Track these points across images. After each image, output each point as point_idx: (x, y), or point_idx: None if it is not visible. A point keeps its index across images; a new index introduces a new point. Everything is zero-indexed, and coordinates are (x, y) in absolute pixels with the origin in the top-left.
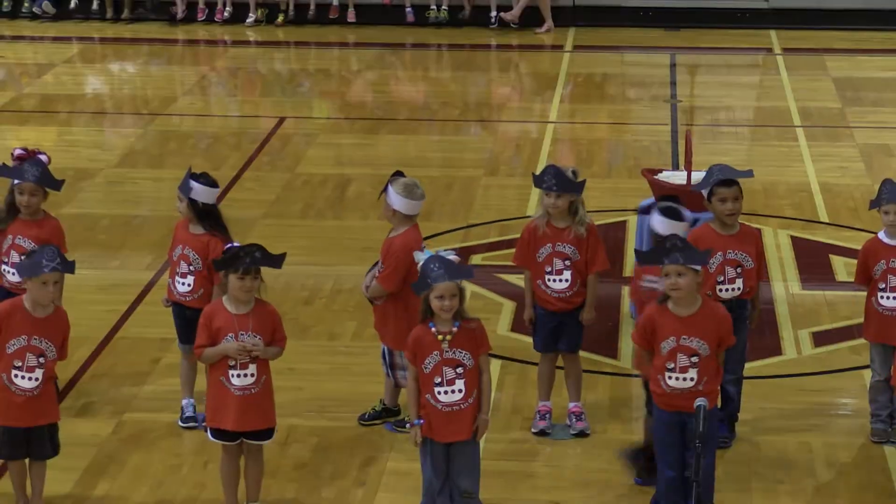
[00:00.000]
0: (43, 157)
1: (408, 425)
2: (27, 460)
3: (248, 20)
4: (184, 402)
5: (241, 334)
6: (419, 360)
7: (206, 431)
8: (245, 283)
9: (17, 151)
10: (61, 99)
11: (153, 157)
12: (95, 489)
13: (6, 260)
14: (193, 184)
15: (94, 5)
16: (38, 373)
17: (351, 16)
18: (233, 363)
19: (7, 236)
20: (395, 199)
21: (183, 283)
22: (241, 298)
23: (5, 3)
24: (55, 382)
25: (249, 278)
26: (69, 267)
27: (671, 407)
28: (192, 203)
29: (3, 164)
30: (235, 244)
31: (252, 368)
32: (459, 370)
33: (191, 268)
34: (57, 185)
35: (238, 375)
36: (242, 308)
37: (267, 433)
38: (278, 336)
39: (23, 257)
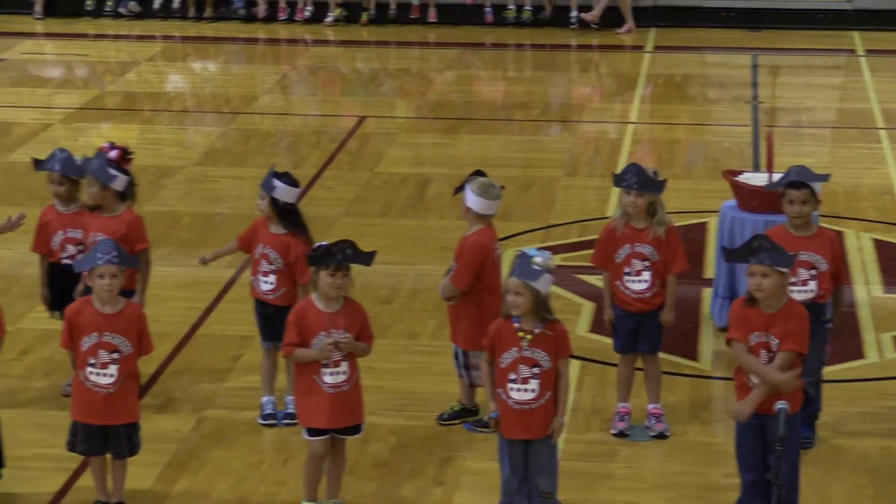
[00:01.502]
0: (112, 153)
1: (486, 417)
2: (109, 456)
3: (327, 19)
4: (263, 399)
5: (332, 332)
6: (497, 354)
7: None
8: (336, 280)
9: (105, 147)
10: (144, 97)
11: (234, 156)
12: (176, 485)
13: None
14: (276, 182)
15: (177, 4)
16: (113, 369)
17: (432, 15)
18: (325, 361)
19: (88, 233)
20: (470, 197)
21: (265, 282)
22: (332, 295)
23: (88, 2)
24: (137, 380)
25: (340, 275)
26: (127, 261)
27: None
28: (274, 202)
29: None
30: (322, 243)
31: (344, 366)
32: (535, 370)
33: (272, 266)
34: (109, 179)
35: (331, 373)
36: (332, 306)
37: (355, 428)
38: (366, 334)
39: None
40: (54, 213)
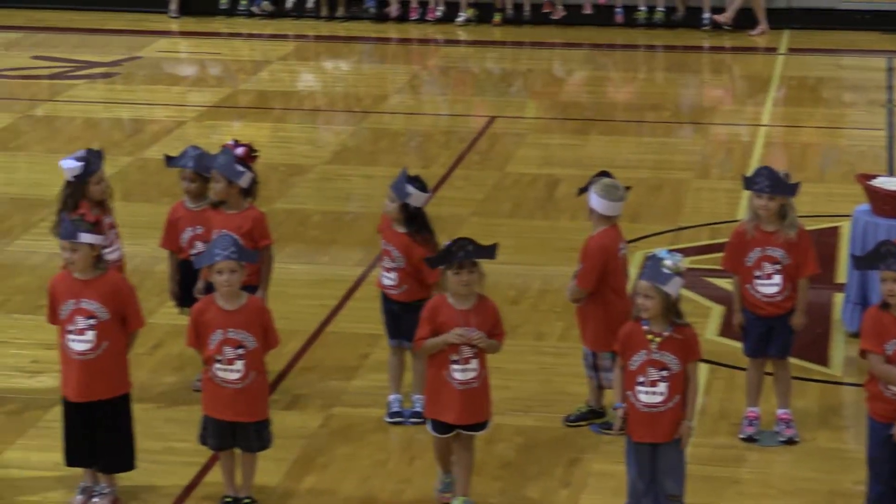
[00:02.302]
0: (238, 150)
1: (612, 408)
2: (238, 451)
3: (458, 19)
4: (391, 397)
5: (454, 330)
6: (626, 356)
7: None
8: (461, 277)
9: (230, 144)
10: (276, 95)
11: (365, 155)
12: (303, 482)
13: None
14: (410, 189)
15: (311, 4)
16: (240, 364)
17: (557, 14)
18: (455, 357)
19: (211, 229)
20: (594, 199)
21: (388, 277)
22: (461, 293)
23: (223, 1)
24: (265, 375)
25: (465, 272)
26: (245, 255)
27: (887, 418)
28: (404, 206)
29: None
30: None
31: (474, 363)
32: (664, 373)
33: (394, 264)
34: (237, 175)
35: (461, 370)
36: (464, 303)
37: (482, 424)
38: (497, 331)
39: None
40: (184, 209)
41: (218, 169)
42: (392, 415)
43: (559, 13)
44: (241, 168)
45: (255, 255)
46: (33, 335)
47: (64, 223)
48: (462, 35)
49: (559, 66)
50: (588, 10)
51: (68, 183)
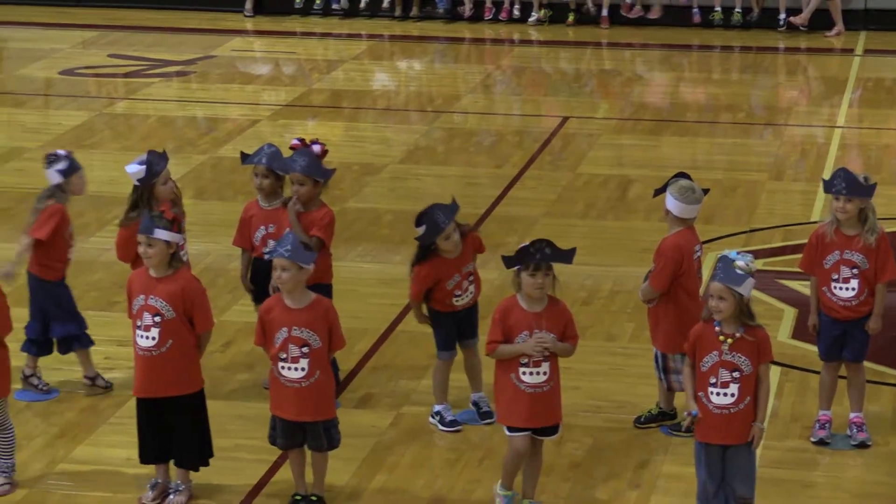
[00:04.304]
0: (316, 148)
1: (686, 413)
2: (308, 449)
3: (530, 19)
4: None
5: (535, 332)
6: (698, 357)
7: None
8: (536, 280)
9: (293, 142)
10: (349, 95)
11: (437, 154)
12: (373, 480)
13: None
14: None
15: (386, 3)
16: (304, 363)
17: (635, 12)
18: (525, 361)
19: (283, 228)
20: (670, 200)
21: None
22: (534, 295)
23: (297, 0)
24: (335, 374)
25: (540, 275)
26: (299, 257)
27: None
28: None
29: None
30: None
31: (545, 367)
32: (736, 374)
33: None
34: (324, 174)
35: (530, 374)
36: (536, 306)
37: (553, 429)
38: (569, 334)
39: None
40: (257, 208)
41: (305, 172)
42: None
43: (655, 12)
44: (326, 168)
45: (310, 258)
46: (107, 331)
47: (143, 218)
48: (535, 35)
49: (633, 67)
50: (654, 15)
51: (135, 187)
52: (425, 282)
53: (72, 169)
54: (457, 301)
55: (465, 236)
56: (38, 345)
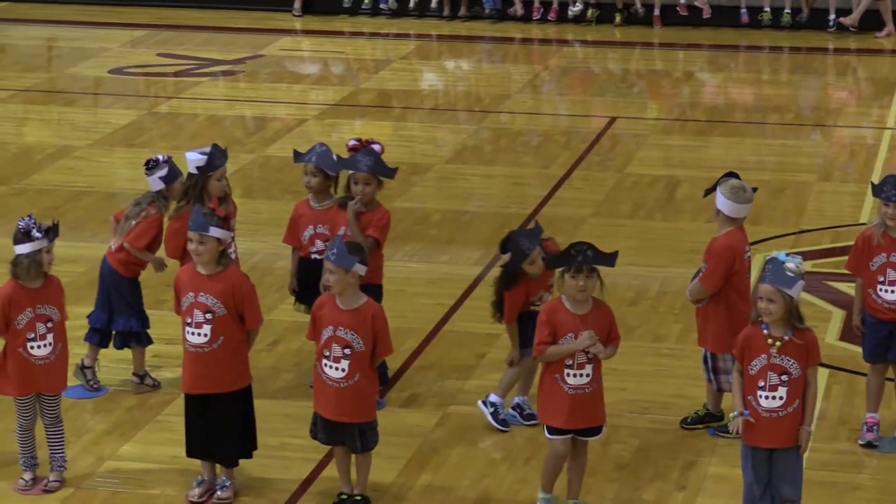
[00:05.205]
0: (376, 147)
1: (733, 413)
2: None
3: (572, 9)
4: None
5: (580, 334)
6: (746, 361)
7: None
8: (578, 282)
9: (352, 142)
10: (397, 94)
11: (485, 154)
12: (418, 480)
13: None
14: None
15: (434, 3)
16: (345, 364)
17: (683, 9)
18: (570, 363)
19: (336, 229)
20: (720, 200)
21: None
22: (577, 298)
23: (346, 0)
24: (384, 373)
25: (583, 277)
26: (342, 261)
27: None
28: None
29: (338, 155)
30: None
31: (588, 368)
32: (784, 377)
33: None
34: (390, 173)
35: (574, 375)
36: (581, 308)
37: (596, 430)
38: (613, 335)
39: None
40: (307, 207)
41: (372, 171)
42: (500, 421)
43: (705, 12)
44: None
45: (350, 261)
46: (155, 330)
47: (195, 215)
48: (585, 35)
49: (681, 67)
50: (707, 14)
51: (190, 175)
52: (518, 304)
53: (173, 176)
54: (534, 308)
55: (548, 251)
56: (101, 334)
